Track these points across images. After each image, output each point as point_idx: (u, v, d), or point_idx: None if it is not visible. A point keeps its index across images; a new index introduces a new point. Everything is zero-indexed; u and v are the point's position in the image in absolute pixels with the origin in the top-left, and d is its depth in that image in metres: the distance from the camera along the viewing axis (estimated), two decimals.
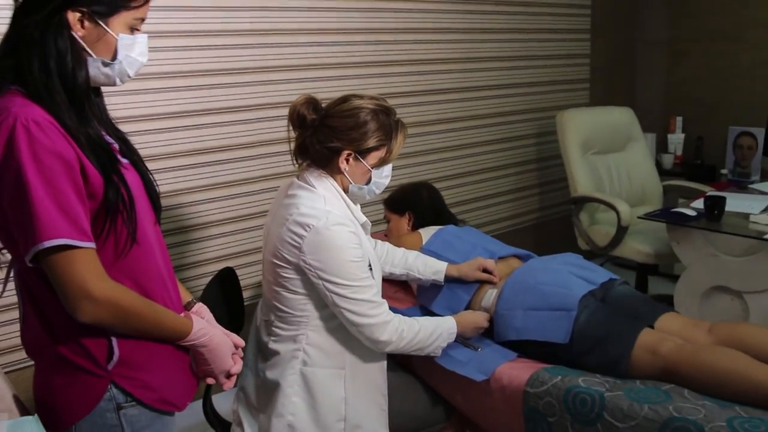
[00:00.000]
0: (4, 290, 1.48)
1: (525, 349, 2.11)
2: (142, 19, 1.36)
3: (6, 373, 1.72)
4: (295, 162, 1.92)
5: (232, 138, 2.85)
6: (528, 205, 4.27)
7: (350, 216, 1.84)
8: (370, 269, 1.85)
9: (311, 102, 1.83)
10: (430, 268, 2.29)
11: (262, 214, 2.94)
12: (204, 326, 1.46)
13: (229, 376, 1.53)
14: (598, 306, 2.08)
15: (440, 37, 3.56)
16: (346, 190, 1.87)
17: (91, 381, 1.33)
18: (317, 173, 1.85)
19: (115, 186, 1.29)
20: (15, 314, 2.31)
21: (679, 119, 4.61)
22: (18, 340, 2.31)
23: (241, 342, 1.57)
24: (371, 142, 1.82)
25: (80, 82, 1.30)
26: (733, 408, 1.72)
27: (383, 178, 1.90)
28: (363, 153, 1.83)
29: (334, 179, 1.86)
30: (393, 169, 1.96)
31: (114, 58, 1.33)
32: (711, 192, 3.33)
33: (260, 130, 2.92)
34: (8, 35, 1.29)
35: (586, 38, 4.42)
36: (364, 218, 1.91)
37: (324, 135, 1.82)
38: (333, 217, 1.77)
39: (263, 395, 1.90)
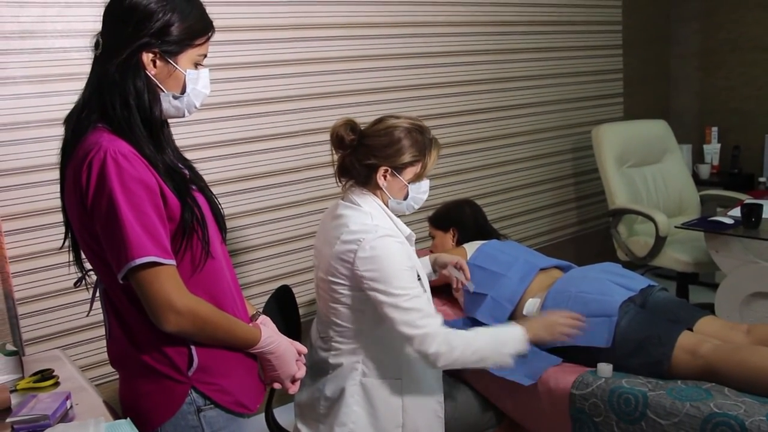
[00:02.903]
0: (91, 309, 1.64)
1: (569, 354, 2.20)
2: (204, 55, 1.52)
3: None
4: (338, 182, 2.05)
5: (280, 163, 3.00)
6: (566, 219, 4.35)
7: (396, 229, 1.96)
8: (419, 279, 1.95)
9: (349, 124, 1.96)
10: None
11: (311, 235, 3.08)
12: (271, 335, 1.59)
13: (293, 381, 1.66)
14: (638, 311, 2.17)
15: (477, 59, 3.68)
16: (387, 205, 1.99)
17: (174, 387, 1.46)
18: (359, 191, 1.97)
19: (190, 207, 1.44)
20: (98, 332, 2.50)
21: (715, 129, 4.66)
22: (100, 357, 2.50)
23: (303, 349, 1.69)
24: (406, 158, 1.94)
25: (156, 116, 1.46)
26: None
27: (421, 193, 2.01)
28: (399, 169, 1.94)
29: (375, 195, 1.98)
30: (435, 188, 2.07)
31: (183, 91, 1.48)
32: (748, 200, 3.38)
33: (306, 155, 3.06)
34: (91, 79, 1.46)
35: (618, 54, 4.51)
36: (408, 231, 2.01)
37: (362, 153, 1.95)
38: (381, 230, 1.88)
39: (323, 407, 2.01)
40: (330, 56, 3.10)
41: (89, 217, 1.37)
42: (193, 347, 1.46)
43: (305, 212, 3.10)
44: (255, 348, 1.55)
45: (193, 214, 1.44)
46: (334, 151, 2.02)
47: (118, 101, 1.41)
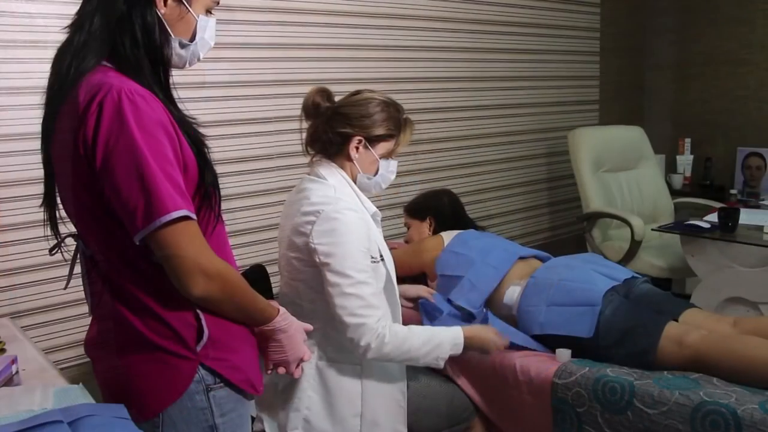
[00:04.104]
0: (69, 281, 1.44)
1: (550, 345, 2.12)
2: (218, 2, 1.38)
3: (61, 369, 1.68)
4: (306, 152, 1.97)
5: (251, 150, 2.88)
6: (539, 224, 4.30)
7: (360, 205, 1.88)
8: (382, 259, 1.86)
9: (324, 92, 1.91)
10: None
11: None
12: (286, 312, 1.46)
13: (298, 364, 1.53)
14: (622, 301, 2.10)
15: (453, 56, 3.62)
16: (354, 180, 1.91)
17: (181, 364, 1.29)
18: (326, 164, 1.91)
19: (209, 165, 1.30)
20: (57, 315, 2.35)
21: (688, 140, 4.67)
22: (57, 341, 2.34)
23: (309, 327, 1.57)
24: (381, 131, 1.88)
25: (167, 57, 1.31)
26: (763, 393, 1.73)
27: (389, 172, 1.96)
28: (372, 141, 1.89)
29: (344, 169, 1.90)
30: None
31: (192, 39, 1.34)
32: (724, 205, 3.36)
33: (279, 143, 2.95)
34: (94, 14, 1.28)
35: (595, 60, 4.50)
36: (374, 208, 1.93)
37: (336, 121, 1.88)
38: (342, 203, 1.80)
39: (280, 392, 1.92)
40: (306, 43, 3.00)
41: (97, 170, 1.18)
42: (203, 319, 1.29)
43: (277, 201, 2.98)
44: (270, 324, 1.41)
45: (213, 174, 1.31)
46: (305, 120, 1.94)
47: (128, 37, 1.25)
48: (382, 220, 2.01)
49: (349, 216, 1.78)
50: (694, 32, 4.69)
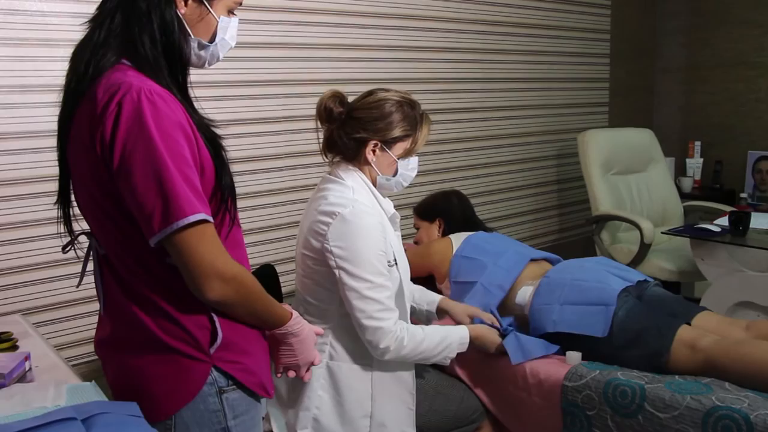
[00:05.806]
0: (81, 280, 1.45)
1: (562, 345, 2.11)
2: (240, 3, 1.37)
3: (73, 366, 1.67)
4: (324, 157, 1.95)
5: (260, 149, 2.88)
6: (547, 226, 4.29)
7: (378, 207, 1.86)
8: (396, 263, 1.85)
9: (337, 96, 1.87)
10: (425, 297, 2.26)
11: (290, 225, 2.97)
12: (299, 316, 1.46)
13: (308, 368, 1.54)
14: (635, 302, 2.10)
15: (462, 57, 3.62)
16: (374, 182, 1.90)
17: (194, 366, 1.28)
18: (345, 166, 1.88)
19: (226, 168, 1.29)
20: (67, 312, 2.36)
21: (698, 144, 4.65)
22: (68, 338, 2.34)
23: (321, 331, 1.58)
24: (396, 132, 1.85)
25: (186, 58, 1.30)
26: None
27: (410, 170, 1.92)
28: (389, 143, 1.85)
29: (363, 172, 1.88)
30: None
31: (212, 40, 1.33)
32: (734, 209, 3.35)
33: (289, 142, 2.95)
34: (115, 11, 1.27)
35: (605, 63, 4.49)
36: (392, 210, 1.92)
37: (350, 127, 1.85)
38: (360, 206, 1.78)
39: (289, 390, 1.91)
40: (316, 43, 3.00)
41: (114, 170, 1.17)
42: (217, 321, 1.29)
43: (285, 201, 2.98)
44: (283, 327, 1.41)
45: (231, 177, 1.30)
46: (320, 125, 1.91)
47: (147, 36, 1.24)
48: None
49: (366, 219, 1.77)
50: (704, 35, 4.67)
